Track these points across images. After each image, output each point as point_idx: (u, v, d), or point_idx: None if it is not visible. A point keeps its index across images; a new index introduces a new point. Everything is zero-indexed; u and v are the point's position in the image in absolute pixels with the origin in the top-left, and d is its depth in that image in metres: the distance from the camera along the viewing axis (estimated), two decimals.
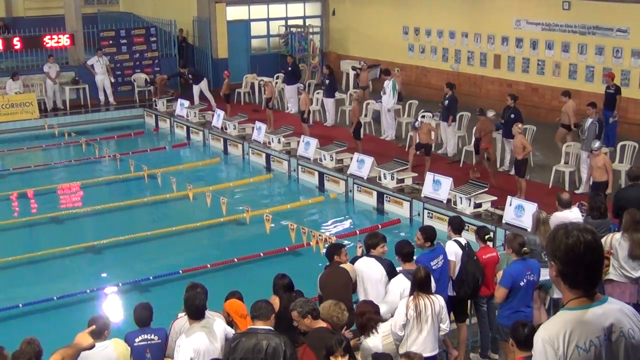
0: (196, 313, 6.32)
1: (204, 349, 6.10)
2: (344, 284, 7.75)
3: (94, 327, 5.78)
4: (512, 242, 7.80)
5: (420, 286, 6.90)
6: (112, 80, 23.22)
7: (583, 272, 3.09)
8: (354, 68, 22.40)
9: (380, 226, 13.35)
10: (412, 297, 6.92)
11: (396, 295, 7.38)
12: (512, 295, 7.64)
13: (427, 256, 8.04)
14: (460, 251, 8.45)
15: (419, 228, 8.76)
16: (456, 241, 8.56)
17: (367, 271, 7.87)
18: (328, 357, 5.80)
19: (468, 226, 12.03)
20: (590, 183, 12.84)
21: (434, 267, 7.90)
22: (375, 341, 6.65)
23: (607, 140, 15.10)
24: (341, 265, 7.90)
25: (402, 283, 7.49)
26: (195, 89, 22.17)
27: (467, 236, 9.57)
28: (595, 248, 3.08)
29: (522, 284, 7.59)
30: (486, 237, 8.67)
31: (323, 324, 6.45)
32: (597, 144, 12.49)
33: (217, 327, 6.36)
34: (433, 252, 8.12)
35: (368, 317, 6.68)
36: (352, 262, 8.01)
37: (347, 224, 14.64)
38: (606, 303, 3.15)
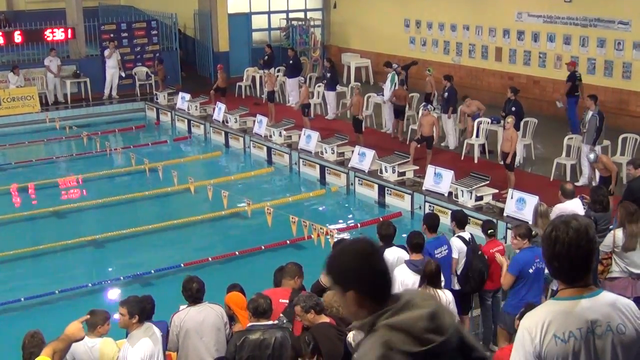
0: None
1: (149, 353, 6.16)
2: None
3: (88, 317, 5.83)
4: (518, 228, 7.88)
5: (429, 279, 6.88)
6: (123, 75, 23.17)
7: (568, 265, 3.08)
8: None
9: (381, 219, 13.32)
10: (420, 289, 6.92)
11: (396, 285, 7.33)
12: (520, 283, 7.65)
13: (431, 244, 8.02)
14: (464, 247, 8.44)
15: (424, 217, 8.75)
16: (460, 237, 8.55)
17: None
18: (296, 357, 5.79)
19: (469, 219, 12.11)
20: (597, 178, 12.77)
21: (437, 256, 7.90)
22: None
23: (573, 127, 15.66)
24: None
25: (403, 273, 7.39)
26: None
27: (470, 229, 9.55)
28: (579, 245, 3.05)
29: (530, 271, 7.61)
30: (489, 231, 8.65)
31: (326, 319, 6.42)
32: (592, 155, 12.18)
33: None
34: (437, 241, 8.11)
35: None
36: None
37: (348, 217, 14.65)
38: (598, 296, 3.11)
